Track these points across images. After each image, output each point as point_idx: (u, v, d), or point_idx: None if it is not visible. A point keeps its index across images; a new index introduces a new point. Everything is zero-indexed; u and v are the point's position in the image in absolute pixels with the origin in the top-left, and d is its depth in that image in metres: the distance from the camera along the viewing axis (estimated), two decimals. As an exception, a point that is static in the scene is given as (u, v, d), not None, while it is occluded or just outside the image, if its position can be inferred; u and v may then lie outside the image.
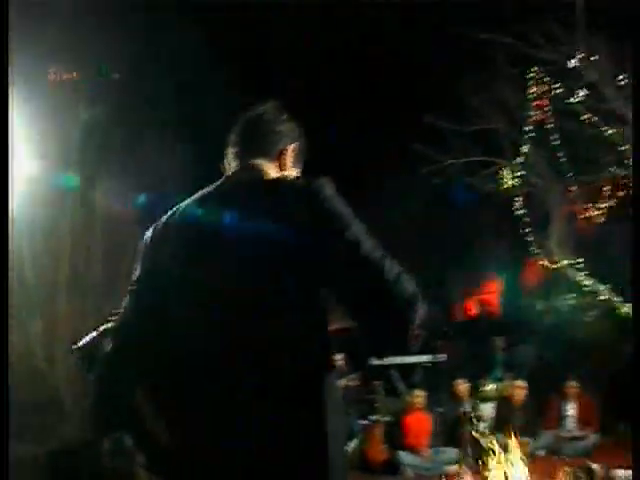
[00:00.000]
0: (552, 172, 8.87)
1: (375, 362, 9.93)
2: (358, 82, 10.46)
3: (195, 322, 1.62)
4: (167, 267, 1.68)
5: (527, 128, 8.44)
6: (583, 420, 8.97)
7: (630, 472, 5.35)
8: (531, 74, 8.19)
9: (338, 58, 10.29)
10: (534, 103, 8.22)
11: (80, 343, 2.16)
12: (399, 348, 2.35)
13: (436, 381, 10.19)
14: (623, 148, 7.77)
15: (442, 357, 10.41)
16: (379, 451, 7.96)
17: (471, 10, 8.34)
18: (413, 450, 7.98)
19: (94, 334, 2.12)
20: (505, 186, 8.89)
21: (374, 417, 8.44)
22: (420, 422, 8.27)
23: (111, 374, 1.74)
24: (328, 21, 9.88)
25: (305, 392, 1.54)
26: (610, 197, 8.41)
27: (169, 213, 1.77)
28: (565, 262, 8.73)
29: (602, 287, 8.83)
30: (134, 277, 1.76)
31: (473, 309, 17.34)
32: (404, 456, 7.84)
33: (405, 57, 9.69)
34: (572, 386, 9.05)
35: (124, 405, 1.72)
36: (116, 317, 1.81)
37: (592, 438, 8.66)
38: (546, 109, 8.20)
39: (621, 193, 8.27)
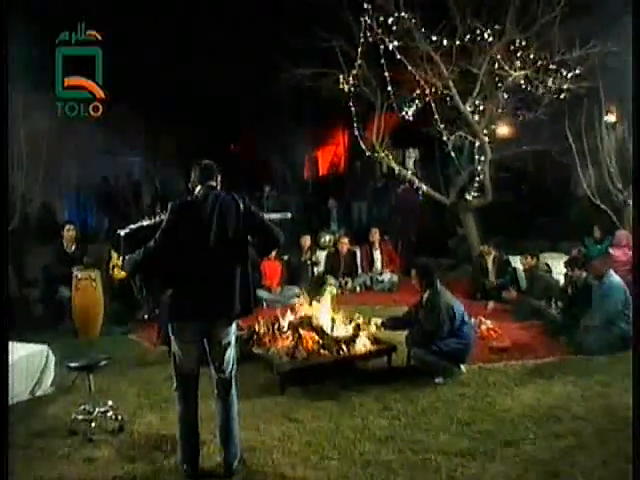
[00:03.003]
0: (377, 83, 10.48)
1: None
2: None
3: (197, 248, 3.93)
4: (184, 223, 3.95)
5: (360, 49, 9.84)
6: (387, 264, 10.72)
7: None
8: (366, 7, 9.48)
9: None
10: (366, 31, 9.57)
11: (122, 232, 4.49)
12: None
13: (285, 235, 12.15)
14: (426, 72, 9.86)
15: (287, 215, 11.70)
16: (242, 290, 9.72)
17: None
18: (268, 288, 9.44)
19: (130, 230, 4.45)
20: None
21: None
22: (272, 267, 9.71)
23: (143, 258, 3.99)
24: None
25: (243, 264, 4.00)
26: (421, 103, 10.31)
27: (188, 199, 4.07)
28: (382, 154, 10.63)
29: (407, 172, 11.10)
30: (165, 222, 3.95)
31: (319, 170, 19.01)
32: (261, 293, 9.11)
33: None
34: (375, 232, 10.78)
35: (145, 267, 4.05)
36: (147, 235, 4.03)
37: (394, 277, 10.46)
38: (376, 36, 9.57)
39: (428, 98, 10.22)
